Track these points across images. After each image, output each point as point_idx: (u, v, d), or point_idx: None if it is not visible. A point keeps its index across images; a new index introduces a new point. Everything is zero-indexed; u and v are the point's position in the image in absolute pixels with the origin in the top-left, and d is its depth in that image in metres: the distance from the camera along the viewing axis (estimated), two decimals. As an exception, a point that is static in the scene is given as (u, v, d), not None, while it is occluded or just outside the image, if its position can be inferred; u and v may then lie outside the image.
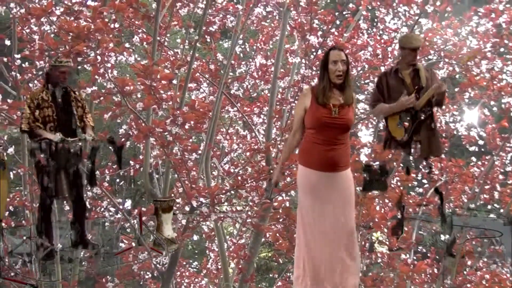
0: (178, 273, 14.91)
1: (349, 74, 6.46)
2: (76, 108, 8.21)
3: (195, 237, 16.78)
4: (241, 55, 16.34)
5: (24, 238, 8.65)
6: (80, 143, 8.01)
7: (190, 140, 13.55)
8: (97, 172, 12.76)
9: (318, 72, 6.68)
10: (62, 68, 8.11)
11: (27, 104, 8.04)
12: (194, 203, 11.25)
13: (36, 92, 8.17)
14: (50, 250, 8.18)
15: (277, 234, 12.68)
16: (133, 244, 12.98)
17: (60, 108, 8.07)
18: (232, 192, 12.55)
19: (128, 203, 17.61)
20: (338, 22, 13.94)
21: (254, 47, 16.08)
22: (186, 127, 11.23)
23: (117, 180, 15.86)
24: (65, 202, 10.49)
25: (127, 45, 12.15)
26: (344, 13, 14.75)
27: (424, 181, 13.96)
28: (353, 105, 6.43)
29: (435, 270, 13.52)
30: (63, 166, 7.92)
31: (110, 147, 8.63)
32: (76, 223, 8.44)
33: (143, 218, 10.42)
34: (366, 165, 7.32)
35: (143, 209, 11.29)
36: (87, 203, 12.28)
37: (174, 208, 12.10)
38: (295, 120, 6.58)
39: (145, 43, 13.52)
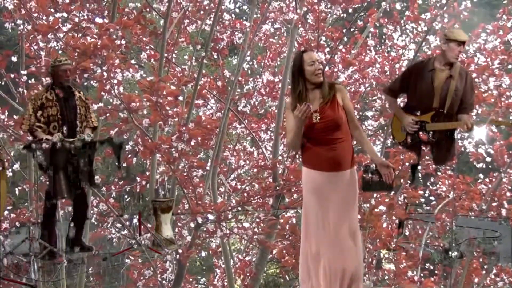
0: (185, 289, 14.87)
1: (324, 74, 6.41)
2: (81, 107, 8.32)
3: (203, 254, 16.73)
4: (249, 71, 16.33)
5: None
6: (79, 143, 8.00)
7: (198, 156, 13.57)
8: (103, 188, 12.87)
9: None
10: (63, 66, 8.25)
11: (31, 104, 8.16)
12: (200, 220, 11.22)
13: (40, 93, 8.29)
14: (50, 250, 8.24)
15: (284, 251, 12.65)
16: (140, 259, 13.03)
17: (65, 107, 8.17)
18: (239, 208, 12.53)
19: (136, 219, 17.66)
20: (345, 39, 13.94)
21: (262, 64, 16.08)
22: (192, 143, 11.22)
23: (126, 196, 15.88)
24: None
25: (133, 61, 12.15)
26: (352, 30, 14.77)
27: (432, 198, 13.90)
28: (337, 97, 6.30)
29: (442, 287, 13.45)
30: (63, 167, 7.96)
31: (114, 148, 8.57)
32: (75, 224, 8.55)
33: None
34: (365, 165, 7.29)
35: (149, 225, 11.27)
36: (93, 219, 12.45)
37: (179, 224, 12.12)
38: (289, 124, 6.39)
39: (152, 59, 13.57)
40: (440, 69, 7.51)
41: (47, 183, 8.20)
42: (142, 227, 10.04)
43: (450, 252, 9.48)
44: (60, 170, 7.96)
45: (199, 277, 18.71)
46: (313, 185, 6.36)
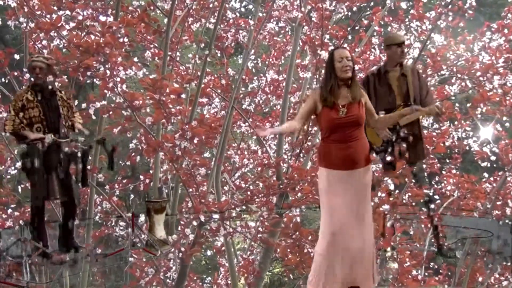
0: (189, 288, 14.85)
1: (355, 71, 6.58)
2: (63, 107, 8.19)
3: (209, 253, 16.73)
4: (253, 70, 16.33)
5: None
6: (72, 144, 7.96)
7: (205, 155, 13.57)
8: (107, 187, 12.85)
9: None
10: (33, 63, 8.12)
11: (12, 106, 8.04)
12: (202, 218, 11.19)
13: (21, 94, 8.16)
14: (42, 251, 8.17)
15: (288, 250, 12.61)
16: (144, 258, 13.01)
17: (47, 108, 8.06)
18: (244, 207, 12.50)
19: (142, 218, 17.60)
20: (350, 37, 13.91)
21: (266, 62, 16.07)
22: (195, 141, 11.20)
23: (131, 195, 15.86)
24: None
25: (135, 59, 12.14)
26: (356, 28, 14.74)
27: (436, 196, 13.85)
28: (362, 101, 6.51)
29: (446, 287, 13.41)
30: (55, 167, 7.89)
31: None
32: (65, 225, 8.39)
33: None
34: None
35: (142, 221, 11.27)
36: (97, 217, 12.43)
37: (182, 222, 12.09)
38: (303, 108, 6.73)
39: (156, 58, 13.56)
40: (392, 70, 7.79)
41: (34, 184, 8.08)
42: (143, 227, 9.99)
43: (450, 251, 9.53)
44: (53, 171, 7.91)
45: (205, 276, 18.70)
46: (328, 184, 6.54)
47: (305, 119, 6.64)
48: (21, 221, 11.85)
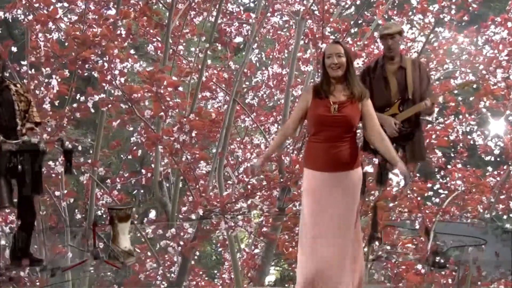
0: (194, 282, 14.79)
1: (350, 67, 6.18)
2: (19, 103, 7.27)
3: (220, 248, 16.70)
4: (257, 64, 16.29)
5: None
6: (24, 145, 6.98)
7: (213, 151, 13.55)
8: (108, 181, 12.85)
9: None
10: None
11: None
12: (201, 212, 11.13)
13: None
14: None
15: (290, 244, 12.59)
16: (149, 252, 12.98)
17: None
18: (245, 201, 12.44)
19: (153, 214, 17.54)
20: (352, 31, 13.84)
21: (271, 56, 16.03)
22: (193, 134, 11.18)
23: (142, 190, 15.86)
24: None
25: (132, 51, 12.11)
26: (360, 22, 14.68)
27: (441, 190, 13.80)
28: (359, 104, 6.16)
29: (450, 281, 13.32)
30: (3, 173, 6.93)
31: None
32: (21, 234, 7.41)
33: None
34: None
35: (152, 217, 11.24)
36: (99, 212, 12.40)
37: (181, 217, 12.04)
38: (294, 111, 6.50)
39: (159, 51, 13.56)
40: (389, 62, 7.44)
41: None
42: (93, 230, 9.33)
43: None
44: (1, 176, 6.92)
45: (215, 272, 18.67)
46: (311, 186, 6.28)
47: (298, 122, 6.40)
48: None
